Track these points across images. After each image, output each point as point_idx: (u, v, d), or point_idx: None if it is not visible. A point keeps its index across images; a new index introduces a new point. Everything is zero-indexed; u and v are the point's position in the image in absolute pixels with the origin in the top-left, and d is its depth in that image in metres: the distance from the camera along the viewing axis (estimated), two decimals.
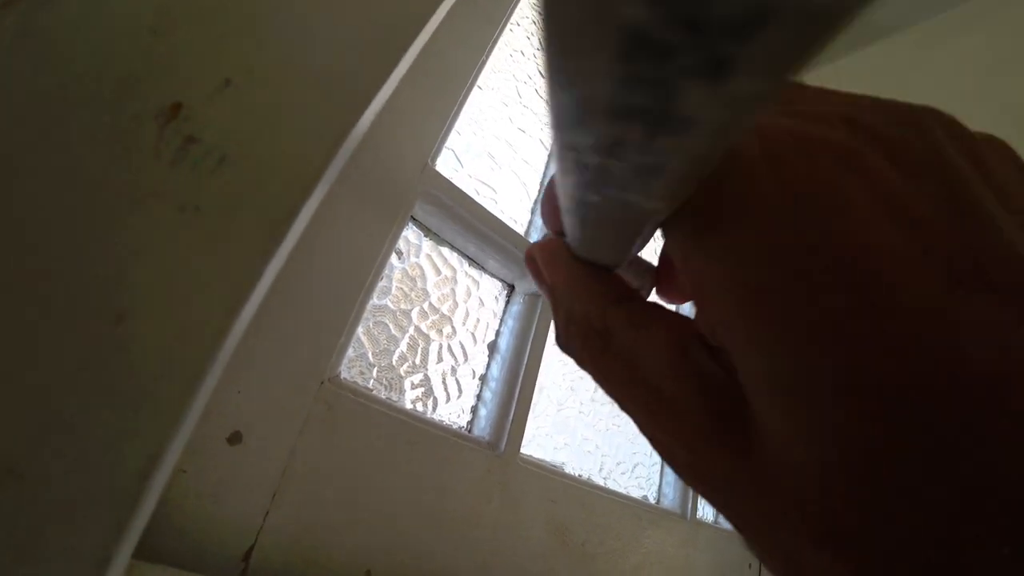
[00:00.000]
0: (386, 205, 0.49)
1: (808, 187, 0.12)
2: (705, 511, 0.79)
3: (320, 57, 0.25)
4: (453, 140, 0.60)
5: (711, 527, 0.75)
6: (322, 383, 0.41)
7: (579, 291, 0.17)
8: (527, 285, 0.59)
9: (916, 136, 0.13)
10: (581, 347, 0.17)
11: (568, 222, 0.16)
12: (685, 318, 0.16)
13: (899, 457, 0.10)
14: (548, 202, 0.19)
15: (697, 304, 0.14)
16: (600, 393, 0.71)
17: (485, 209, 0.56)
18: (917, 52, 1.00)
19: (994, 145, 0.16)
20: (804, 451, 0.11)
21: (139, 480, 0.15)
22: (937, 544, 0.10)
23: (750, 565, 0.79)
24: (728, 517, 0.15)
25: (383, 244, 0.47)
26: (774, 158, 0.12)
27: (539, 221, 0.65)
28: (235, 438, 0.37)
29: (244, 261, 0.20)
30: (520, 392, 0.52)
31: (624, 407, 0.17)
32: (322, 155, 0.23)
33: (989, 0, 0.93)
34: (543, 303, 0.59)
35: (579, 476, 0.59)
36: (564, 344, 0.18)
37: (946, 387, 0.10)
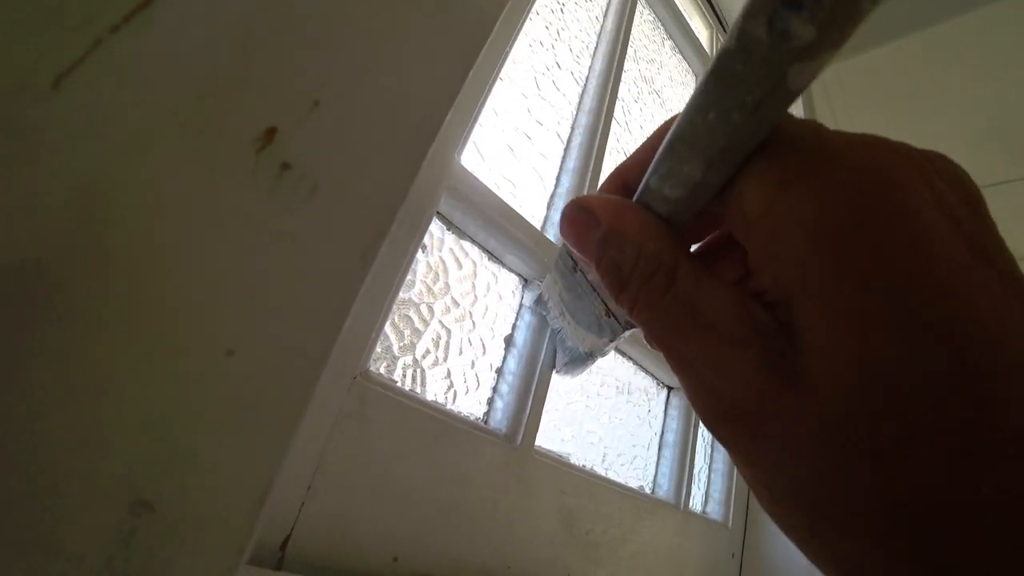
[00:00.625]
0: (417, 199, 0.49)
1: (889, 171, 0.15)
2: (695, 502, 0.82)
3: (393, 77, 0.25)
4: (475, 133, 0.60)
5: (700, 517, 0.78)
6: (355, 378, 0.42)
7: (656, 235, 0.19)
8: (542, 281, 0.61)
9: (946, 162, 0.17)
10: (640, 287, 0.19)
11: (656, 183, 0.19)
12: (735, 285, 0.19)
13: (926, 381, 0.13)
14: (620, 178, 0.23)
15: (768, 251, 0.17)
16: (605, 388, 0.73)
17: (507, 204, 0.57)
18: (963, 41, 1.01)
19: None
20: (856, 374, 0.14)
21: (256, 507, 0.17)
22: (946, 463, 0.13)
23: (733, 555, 0.84)
24: (748, 452, 0.17)
25: (412, 238, 0.48)
26: (862, 144, 0.16)
27: (555, 216, 0.66)
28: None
29: (338, 289, 0.20)
30: (537, 386, 0.54)
31: (673, 350, 0.19)
32: (405, 177, 0.23)
33: None
34: None
35: (583, 467, 0.61)
36: (622, 283, 0.20)
37: (963, 324, 0.13)
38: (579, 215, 0.21)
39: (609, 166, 0.81)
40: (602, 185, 0.24)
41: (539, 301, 0.49)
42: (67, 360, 0.13)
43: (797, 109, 1.24)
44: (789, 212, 0.15)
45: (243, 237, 0.18)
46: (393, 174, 0.23)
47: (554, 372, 0.38)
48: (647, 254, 0.19)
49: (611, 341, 0.28)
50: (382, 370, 0.47)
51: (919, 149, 0.16)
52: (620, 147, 0.85)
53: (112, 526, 0.13)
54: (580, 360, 0.44)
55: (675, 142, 0.17)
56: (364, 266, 0.21)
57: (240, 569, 0.16)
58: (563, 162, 0.71)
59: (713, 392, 0.17)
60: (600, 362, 0.70)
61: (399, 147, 0.24)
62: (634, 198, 0.21)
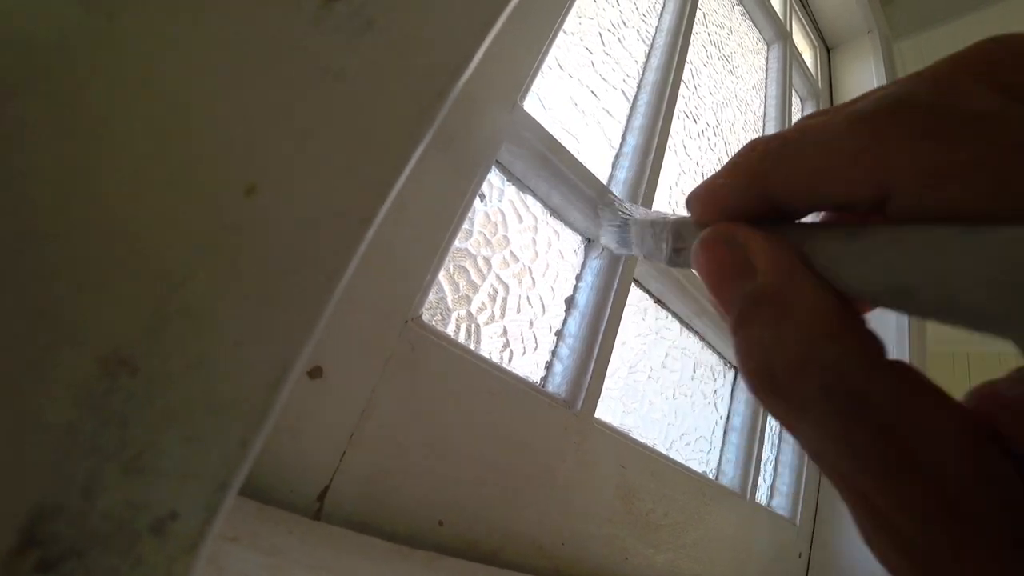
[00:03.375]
0: (475, 142, 0.46)
1: None
2: (760, 494, 0.76)
3: None
4: (538, 83, 0.56)
5: (766, 510, 0.72)
6: (406, 322, 0.39)
7: (841, 330, 0.13)
8: (607, 240, 0.56)
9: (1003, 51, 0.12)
10: (818, 401, 0.13)
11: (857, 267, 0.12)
12: (965, 406, 0.12)
13: None
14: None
15: None
16: (671, 359, 0.68)
17: (572, 155, 0.53)
18: None
19: None
20: None
21: (269, 390, 0.13)
22: None
23: (800, 555, 0.77)
24: None
25: (471, 183, 0.45)
26: None
27: (620, 175, 0.62)
28: (316, 372, 0.36)
29: (392, 140, 0.17)
30: (600, 350, 0.50)
31: (858, 490, 0.13)
32: (476, 31, 0.20)
33: None
34: (625, 260, 0.55)
35: (646, 444, 0.57)
36: (772, 384, 0.13)
37: None
38: (727, 251, 0.15)
39: (678, 129, 0.75)
40: (726, 182, 0.16)
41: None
42: (69, 175, 0.09)
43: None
44: None
45: (280, 63, 0.14)
46: (463, 24, 0.19)
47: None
48: (827, 364, 0.13)
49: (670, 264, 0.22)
50: (435, 321, 0.44)
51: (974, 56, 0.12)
52: (688, 109, 0.79)
53: (78, 383, 0.10)
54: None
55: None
56: (422, 125, 0.17)
57: (244, 466, 0.13)
58: (629, 120, 0.66)
59: (900, 542, 0.12)
60: (666, 331, 0.65)
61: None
62: (807, 246, 0.14)
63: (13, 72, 0.09)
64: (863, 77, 1.19)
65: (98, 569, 0.10)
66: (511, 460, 0.41)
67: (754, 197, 0.15)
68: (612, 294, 0.52)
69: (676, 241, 0.20)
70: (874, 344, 0.13)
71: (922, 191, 0.12)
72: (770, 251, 0.14)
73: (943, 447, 0.11)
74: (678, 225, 0.21)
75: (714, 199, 0.16)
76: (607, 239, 0.46)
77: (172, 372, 0.11)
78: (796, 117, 1.10)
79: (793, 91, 1.06)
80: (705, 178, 0.17)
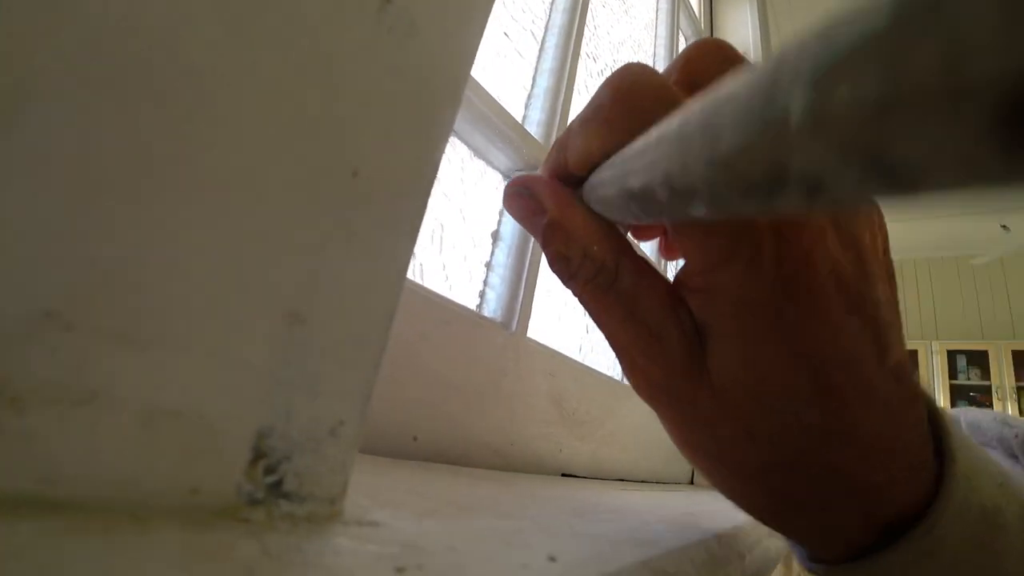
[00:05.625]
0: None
1: (799, 257, 0.18)
2: None
3: None
4: None
5: None
6: None
7: (598, 237, 0.21)
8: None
9: (848, 225, 0.20)
10: (586, 282, 0.21)
11: (603, 194, 0.20)
12: (667, 279, 0.22)
13: (792, 395, 0.19)
14: (564, 152, 0.23)
15: (702, 296, 0.21)
16: None
17: (493, 98, 0.57)
18: None
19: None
20: (741, 374, 0.20)
21: (386, 322, 0.18)
22: (794, 447, 0.20)
23: None
24: (670, 419, 0.23)
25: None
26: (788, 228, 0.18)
27: (533, 115, 0.66)
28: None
29: (435, 131, 0.20)
30: (528, 275, 0.56)
31: (612, 336, 0.22)
32: (478, 24, 0.23)
33: None
34: None
35: (566, 354, 0.65)
36: (569, 275, 0.22)
37: (824, 357, 0.19)
38: (524, 199, 0.23)
39: (580, 70, 0.80)
40: (547, 158, 0.24)
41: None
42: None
43: None
44: (721, 286, 0.19)
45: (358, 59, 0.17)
46: (471, 16, 0.22)
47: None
48: (592, 255, 0.21)
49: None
50: None
51: (826, 222, 0.19)
52: (589, 50, 0.84)
53: (273, 335, 0.14)
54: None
55: (681, 168, 0.12)
56: (453, 110, 0.21)
57: (375, 383, 0.18)
58: (539, 62, 0.70)
59: (643, 373, 0.22)
60: None
61: None
62: (585, 185, 0.21)
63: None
64: (740, 19, 1.31)
65: (301, 465, 0.14)
66: (465, 378, 0.47)
67: (560, 167, 0.23)
68: None
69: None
70: (622, 244, 0.22)
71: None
72: (553, 194, 0.22)
73: (656, 306, 0.21)
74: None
75: (544, 168, 0.24)
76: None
77: (326, 320, 0.15)
78: None
79: (680, 32, 1.15)
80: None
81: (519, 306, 0.55)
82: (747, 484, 0.23)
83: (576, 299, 0.23)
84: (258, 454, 0.14)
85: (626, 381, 0.82)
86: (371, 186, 0.17)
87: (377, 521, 0.17)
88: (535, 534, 0.21)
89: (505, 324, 0.54)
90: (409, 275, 0.51)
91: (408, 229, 0.19)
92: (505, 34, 0.67)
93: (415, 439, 0.44)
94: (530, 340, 0.56)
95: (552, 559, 0.17)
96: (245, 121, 0.14)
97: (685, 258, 0.21)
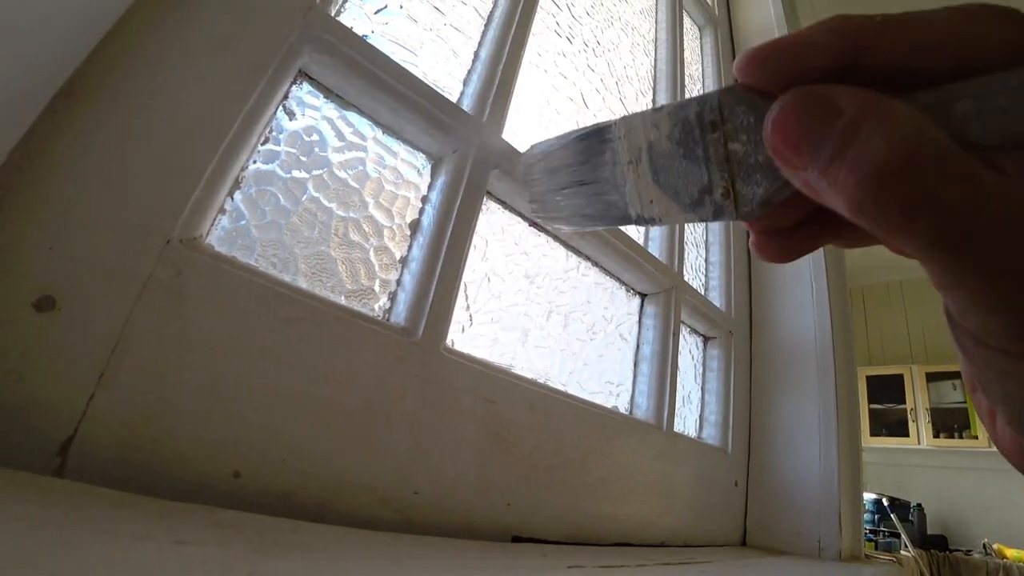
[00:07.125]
0: (257, 47, 0.39)
1: None
2: (685, 426, 0.71)
3: None
4: None
5: (688, 440, 0.67)
6: (168, 242, 0.32)
7: (932, 135, 0.14)
8: (455, 159, 0.50)
9: None
10: (936, 182, 0.14)
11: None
12: None
13: None
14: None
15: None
16: (561, 296, 0.62)
17: (400, 66, 0.47)
18: None
19: None
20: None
21: None
22: None
23: (736, 483, 0.72)
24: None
25: (252, 93, 0.38)
26: None
27: (472, 89, 0.56)
28: (45, 304, 0.29)
29: None
30: (442, 269, 0.44)
31: (985, 253, 0.14)
32: None
33: None
34: (473, 171, 0.49)
35: (530, 378, 0.51)
36: (897, 187, 0.14)
37: None
38: (813, 103, 0.16)
39: (548, 47, 0.69)
40: (819, 39, 0.16)
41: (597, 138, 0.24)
42: None
43: None
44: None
45: None
46: None
47: (529, 202, 0.22)
48: (939, 145, 0.14)
49: (698, 220, 0.20)
50: (238, 252, 0.37)
51: None
52: (561, 29, 0.73)
53: None
54: (605, 217, 0.21)
55: None
56: None
57: None
58: (484, 34, 0.60)
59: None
60: (544, 263, 0.59)
61: None
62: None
63: None
64: (762, 4, 1.16)
65: None
66: (327, 398, 0.35)
67: (843, 58, 0.16)
68: (456, 207, 0.46)
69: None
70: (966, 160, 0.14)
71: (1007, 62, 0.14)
72: (852, 92, 0.15)
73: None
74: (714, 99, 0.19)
75: (796, 56, 0.16)
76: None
77: None
78: (691, 40, 1.05)
79: (686, 15, 1.02)
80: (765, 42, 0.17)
81: (428, 306, 0.42)
82: None
83: (907, 224, 0.14)
84: None
85: (632, 414, 0.65)
86: None
87: None
88: None
89: (408, 330, 0.41)
90: (268, 269, 0.40)
91: None
92: (436, 8, 0.57)
93: (237, 475, 0.31)
94: (450, 353, 0.43)
95: None
96: None
97: None
